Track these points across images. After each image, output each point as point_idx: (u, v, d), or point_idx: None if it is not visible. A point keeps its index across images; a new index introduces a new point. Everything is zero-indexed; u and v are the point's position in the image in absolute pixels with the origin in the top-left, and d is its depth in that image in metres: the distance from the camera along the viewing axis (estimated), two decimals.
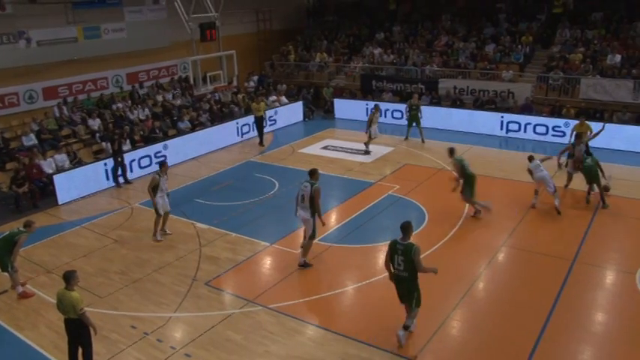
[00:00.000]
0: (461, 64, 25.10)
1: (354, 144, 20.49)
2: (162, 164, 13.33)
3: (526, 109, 22.06)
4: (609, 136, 17.46)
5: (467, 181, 13.50)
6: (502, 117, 21.74)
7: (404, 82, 25.75)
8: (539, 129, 20.88)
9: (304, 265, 11.59)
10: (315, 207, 11.11)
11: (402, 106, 22.29)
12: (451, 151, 13.92)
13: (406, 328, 8.85)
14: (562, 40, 24.83)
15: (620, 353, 8.71)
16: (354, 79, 27.54)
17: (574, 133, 16.28)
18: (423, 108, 20.93)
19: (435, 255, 11.71)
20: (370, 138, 19.64)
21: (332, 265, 11.82)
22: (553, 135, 20.37)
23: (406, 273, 8.52)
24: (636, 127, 19.22)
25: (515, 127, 21.41)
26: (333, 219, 14.14)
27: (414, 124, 20.83)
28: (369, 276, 11.12)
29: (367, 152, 19.62)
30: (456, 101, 23.94)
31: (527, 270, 11.35)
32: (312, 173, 11.33)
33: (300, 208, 11.31)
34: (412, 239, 8.61)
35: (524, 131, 21.10)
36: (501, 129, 21.70)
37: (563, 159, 15.42)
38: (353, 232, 13.30)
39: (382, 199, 15.15)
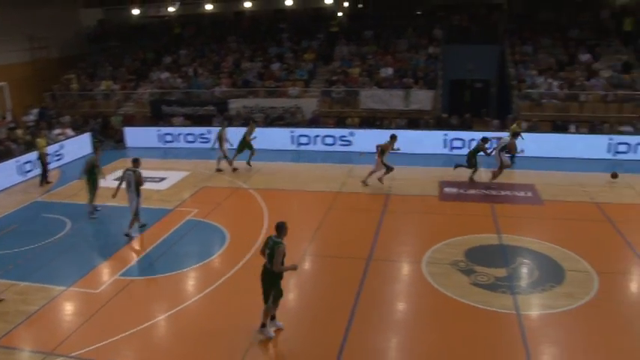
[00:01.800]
0: (249, 84, 25.84)
1: (148, 172, 19.94)
2: None
3: (314, 122, 23.48)
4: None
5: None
6: (292, 132, 22.90)
7: (194, 105, 25.76)
8: (327, 140, 22.36)
9: (128, 235, 14.28)
10: (138, 189, 14.02)
11: (196, 130, 22.24)
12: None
13: (263, 325, 9.66)
14: (341, 56, 26.86)
15: (419, 335, 9.74)
16: (143, 106, 26.88)
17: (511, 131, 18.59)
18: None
19: (240, 273, 11.95)
20: (226, 158, 19.75)
21: (137, 299, 11.45)
22: (340, 144, 21.95)
23: (270, 266, 9.35)
24: (409, 131, 21.41)
25: (305, 140, 22.67)
26: (132, 252, 13.74)
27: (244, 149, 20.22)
28: (177, 303, 10.97)
29: (219, 170, 19.88)
30: (247, 120, 24.53)
31: (329, 274, 12.12)
32: (134, 161, 14.10)
33: (129, 192, 14.04)
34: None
35: (314, 143, 22.42)
36: (292, 143, 22.83)
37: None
38: (155, 261, 13.01)
39: (182, 225, 15.03)
